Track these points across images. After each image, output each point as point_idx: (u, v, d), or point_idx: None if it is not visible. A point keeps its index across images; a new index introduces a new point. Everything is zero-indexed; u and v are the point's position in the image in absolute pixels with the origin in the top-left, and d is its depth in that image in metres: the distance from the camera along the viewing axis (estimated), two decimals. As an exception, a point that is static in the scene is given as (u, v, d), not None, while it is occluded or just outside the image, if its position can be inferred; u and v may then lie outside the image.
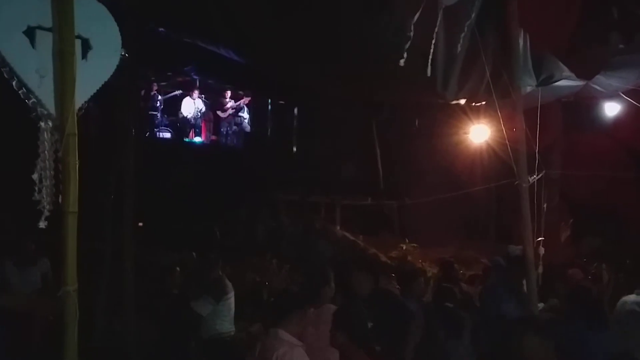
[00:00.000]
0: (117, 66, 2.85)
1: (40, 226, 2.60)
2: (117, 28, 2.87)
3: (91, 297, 5.37)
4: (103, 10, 2.84)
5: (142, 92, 13.19)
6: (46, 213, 2.57)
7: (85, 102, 2.74)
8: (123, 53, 2.86)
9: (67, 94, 2.63)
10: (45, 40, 2.69)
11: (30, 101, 2.66)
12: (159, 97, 14.04)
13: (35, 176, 2.61)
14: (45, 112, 2.69)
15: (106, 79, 2.82)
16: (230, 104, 14.94)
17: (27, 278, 6.26)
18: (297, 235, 11.47)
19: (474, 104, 6.48)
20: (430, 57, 5.19)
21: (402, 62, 4.90)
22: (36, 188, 2.62)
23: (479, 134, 7.56)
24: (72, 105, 2.64)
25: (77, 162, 2.60)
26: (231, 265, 8.64)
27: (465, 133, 8.41)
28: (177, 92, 14.25)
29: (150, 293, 6.04)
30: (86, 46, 2.77)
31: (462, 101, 6.24)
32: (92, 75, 2.80)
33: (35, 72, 2.66)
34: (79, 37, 2.72)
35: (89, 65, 2.77)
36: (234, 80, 13.85)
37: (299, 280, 6.74)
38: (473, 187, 10.76)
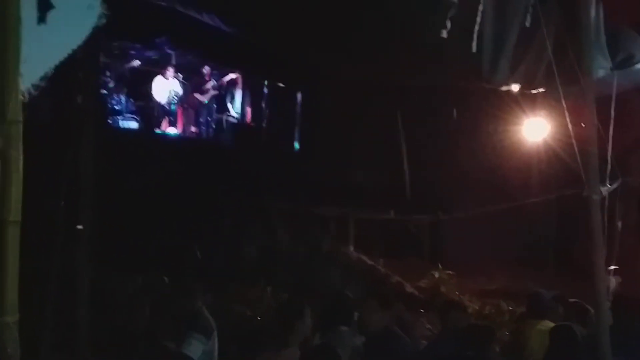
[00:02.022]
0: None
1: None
2: None
3: (33, 331, 5.39)
4: None
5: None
6: None
7: (41, 79, 2.75)
8: (103, 10, 2.84)
9: (10, 70, 2.64)
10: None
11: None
12: (120, 74, 14.07)
13: None
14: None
15: (74, 47, 2.82)
16: (211, 83, 14.96)
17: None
18: (298, 258, 11.48)
19: (529, 91, 6.49)
20: (477, 28, 5.21)
21: (444, 33, 4.92)
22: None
23: (535, 130, 7.58)
24: (15, 85, 2.65)
25: (20, 158, 2.61)
26: (213, 294, 8.65)
27: (518, 129, 8.43)
28: (135, 64, 14.26)
29: (110, 328, 6.06)
30: (45, 5, 2.79)
31: (515, 87, 6.26)
32: (51, 45, 2.78)
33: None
34: (34, -7, 2.74)
35: (48, 32, 2.75)
36: (220, 55, 13.91)
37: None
38: (527, 199, 10.78)
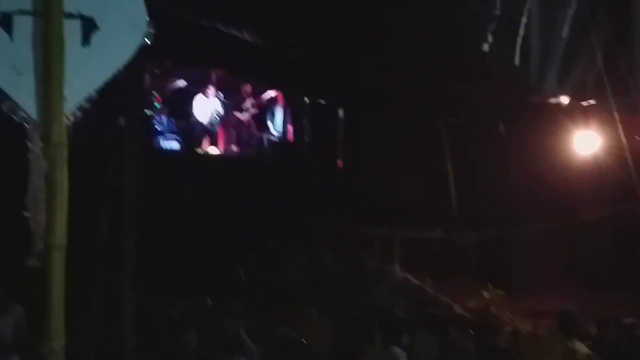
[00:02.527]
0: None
1: (30, 265, 2.68)
2: None
3: (79, 357, 5.47)
4: None
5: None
6: (40, 248, 2.63)
7: (84, 100, 2.80)
8: (151, 29, 2.87)
9: (54, 94, 2.70)
10: (25, 28, 2.78)
11: (6, 104, 2.74)
12: (162, 94, 14.26)
13: (28, 199, 2.69)
14: (27, 118, 2.77)
15: (119, 68, 2.86)
16: (251, 102, 15.07)
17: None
18: (343, 278, 11.44)
19: (580, 103, 6.43)
20: (519, 41, 5.19)
21: (485, 47, 4.91)
22: (29, 214, 2.69)
23: (586, 143, 7.47)
24: (59, 108, 2.70)
25: (65, 182, 2.66)
26: (257, 315, 8.67)
27: (569, 142, 8.32)
28: (181, 84, 14.42)
29: (155, 352, 6.12)
30: (89, 27, 2.84)
31: (564, 99, 6.21)
32: (96, 66, 2.85)
33: (11, 69, 2.73)
34: (79, 16, 2.78)
35: (92, 53, 2.82)
36: (261, 73, 14.01)
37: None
38: (580, 216, 10.59)
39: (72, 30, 2.81)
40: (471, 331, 9.90)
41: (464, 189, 13.56)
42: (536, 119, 9.67)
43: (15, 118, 2.75)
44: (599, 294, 11.46)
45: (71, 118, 2.76)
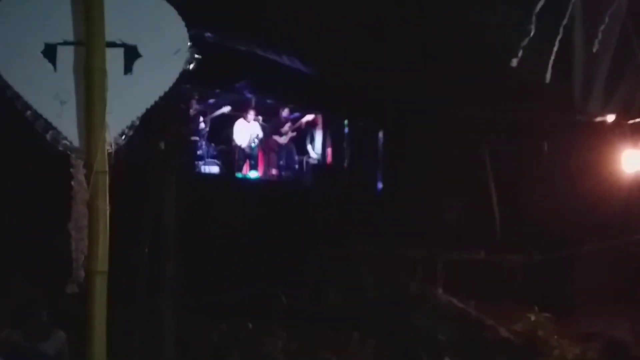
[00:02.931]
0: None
1: (69, 291, 2.71)
2: (181, 21, 2.92)
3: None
4: (158, 2, 2.90)
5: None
6: (81, 274, 2.67)
7: (127, 128, 2.85)
8: (193, 55, 2.90)
9: (96, 122, 2.75)
10: (69, 58, 2.85)
11: (49, 134, 2.81)
12: (202, 119, 14.41)
13: (71, 225, 2.73)
14: (69, 146, 2.82)
15: (161, 94, 2.90)
16: (289, 125, 15.15)
17: (37, 357, 6.47)
18: (384, 302, 11.35)
19: (626, 121, 6.32)
20: (552, 58, 5.13)
21: (514, 62, 4.87)
22: (72, 241, 2.73)
23: (634, 161, 7.33)
24: (101, 136, 2.75)
25: (107, 208, 2.70)
26: (297, 340, 8.64)
27: (615, 161, 8.18)
28: (225, 110, 14.57)
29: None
30: (131, 55, 2.89)
31: (610, 117, 6.11)
32: (138, 93, 2.91)
33: (54, 98, 2.81)
34: (121, 44, 2.83)
35: (134, 80, 2.88)
36: (299, 97, 14.10)
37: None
38: (629, 236, 10.37)
39: (114, 58, 2.88)
40: (518, 355, 9.75)
41: (508, 210, 13.40)
42: (582, 138, 9.54)
43: (59, 147, 2.81)
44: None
45: (113, 146, 2.81)
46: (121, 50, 2.88)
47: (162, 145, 5.88)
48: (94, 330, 2.63)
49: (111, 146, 2.80)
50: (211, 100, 14.92)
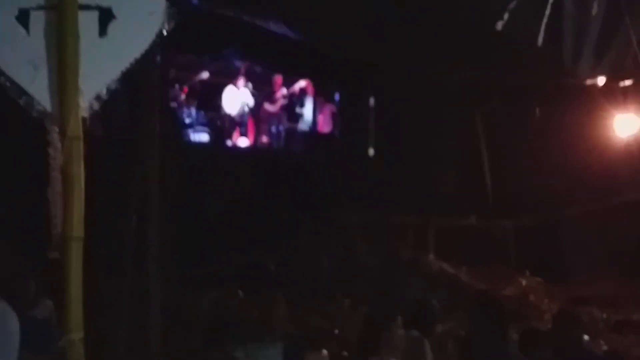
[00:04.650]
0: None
1: (51, 257, 2.70)
2: None
3: (107, 352, 5.50)
4: None
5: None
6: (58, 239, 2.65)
7: (103, 91, 2.80)
8: (170, 16, 2.85)
9: (69, 87, 2.71)
10: (42, 22, 2.80)
11: (23, 99, 2.77)
12: (188, 85, 14.31)
13: (49, 192, 2.71)
14: (43, 111, 2.79)
15: (136, 57, 2.85)
16: (281, 92, 15.04)
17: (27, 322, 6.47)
18: (376, 269, 11.40)
19: (616, 84, 6.28)
20: (545, 21, 5.08)
21: (499, 25, 4.83)
22: (51, 208, 2.71)
23: (625, 124, 7.31)
24: (75, 101, 2.71)
25: (82, 174, 2.66)
26: (289, 307, 8.66)
27: (606, 125, 8.16)
28: (204, 76, 14.46)
29: (189, 348, 6.09)
30: (106, 18, 2.83)
31: (601, 80, 6.07)
32: (113, 57, 2.85)
33: (27, 64, 2.77)
34: (95, 7, 2.79)
35: (109, 44, 2.83)
36: (288, 64, 14.00)
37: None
38: (617, 199, 10.40)
39: (88, 21, 2.82)
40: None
41: (499, 175, 13.42)
42: (573, 101, 9.51)
43: (33, 112, 2.77)
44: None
45: (88, 111, 2.77)
46: (95, 13, 2.82)
47: (143, 110, 5.83)
48: (70, 295, 2.62)
49: (86, 111, 2.75)
50: (200, 68, 14.79)
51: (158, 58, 5.89)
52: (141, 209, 5.78)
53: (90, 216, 2.69)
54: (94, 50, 2.79)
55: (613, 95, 7.44)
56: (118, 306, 5.83)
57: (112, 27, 2.84)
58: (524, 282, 11.45)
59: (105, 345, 5.16)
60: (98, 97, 2.83)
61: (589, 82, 6.17)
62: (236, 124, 14.64)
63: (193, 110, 14.28)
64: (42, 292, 6.58)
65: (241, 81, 14.50)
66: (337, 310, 9.49)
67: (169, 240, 6.11)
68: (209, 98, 14.65)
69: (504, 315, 5.25)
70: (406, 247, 12.20)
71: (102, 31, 2.83)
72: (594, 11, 5.28)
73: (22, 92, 2.76)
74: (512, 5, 4.81)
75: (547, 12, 5.17)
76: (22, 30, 2.79)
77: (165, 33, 2.90)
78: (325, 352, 5.14)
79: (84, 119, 2.74)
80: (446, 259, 12.14)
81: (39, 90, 2.76)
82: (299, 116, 15.54)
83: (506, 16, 4.74)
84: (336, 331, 8.56)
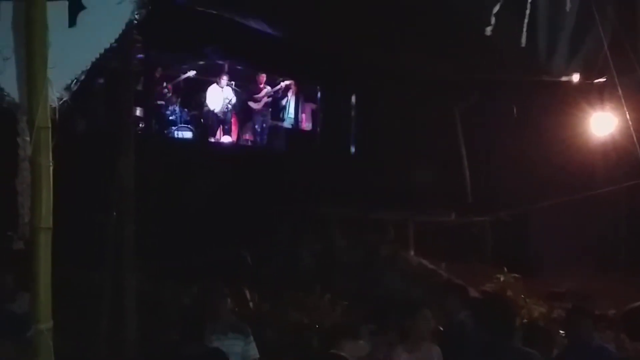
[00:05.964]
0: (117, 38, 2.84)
1: (15, 247, 2.67)
2: None
3: (83, 343, 5.47)
4: None
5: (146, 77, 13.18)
6: (26, 231, 2.61)
7: (73, 82, 2.78)
8: (139, 4, 2.82)
9: (37, 76, 2.68)
10: (10, 13, 2.79)
11: (-7, 90, 2.75)
12: (171, 84, 14.26)
13: (17, 182, 2.68)
14: (13, 102, 2.76)
15: (106, 47, 2.82)
16: (264, 91, 15.03)
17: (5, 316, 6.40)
18: (356, 264, 11.39)
19: (590, 81, 6.32)
20: (526, 20, 5.09)
21: (488, 30, 4.82)
22: (19, 199, 2.68)
23: (599, 121, 7.36)
24: (43, 92, 2.68)
25: (50, 165, 2.63)
26: (269, 301, 8.66)
27: (581, 121, 8.18)
28: (190, 74, 14.43)
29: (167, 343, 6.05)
30: (75, 8, 2.81)
31: (575, 77, 6.10)
32: (82, 47, 2.82)
33: (-5, 54, 2.74)
34: (66, -5, 2.73)
35: (78, 34, 2.81)
36: (270, 62, 13.99)
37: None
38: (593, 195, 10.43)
39: (58, 11, 2.79)
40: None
41: (478, 172, 13.46)
42: (548, 97, 9.54)
43: (2, 103, 2.75)
44: (616, 275, 11.35)
45: (57, 101, 2.74)
46: (65, 3, 2.80)
47: (121, 107, 5.78)
48: (39, 286, 2.59)
49: (55, 101, 2.72)
50: (182, 66, 14.76)
51: (132, 49, 5.83)
52: (119, 202, 5.75)
53: (67, 208, 2.66)
54: (63, 41, 2.77)
55: (589, 92, 7.46)
56: (95, 299, 5.79)
57: (81, 17, 2.82)
58: (502, 278, 11.48)
59: (82, 337, 5.13)
60: (67, 88, 2.81)
61: (563, 78, 6.18)
62: (219, 121, 14.62)
63: (177, 108, 14.24)
64: (22, 286, 6.52)
65: (224, 79, 14.48)
66: (317, 304, 9.47)
67: (148, 234, 6.08)
68: (192, 96, 14.64)
69: (512, 314, 5.19)
70: (386, 242, 12.21)
71: (72, 21, 2.82)
72: (568, 7, 5.29)
73: (-8, 83, 2.74)
74: (496, 8, 4.80)
75: (528, 11, 5.18)
76: (-9, 21, 2.75)
77: (135, 22, 2.88)
78: (362, 342, 5.10)
79: (53, 109, 2.72)
80: (425, 255, 12.18)
81: (8, 80, 2.74)
82: (282, 113, 15.55)
83: (493, 20, 4.74)
84: (317, 325, 8.56)
